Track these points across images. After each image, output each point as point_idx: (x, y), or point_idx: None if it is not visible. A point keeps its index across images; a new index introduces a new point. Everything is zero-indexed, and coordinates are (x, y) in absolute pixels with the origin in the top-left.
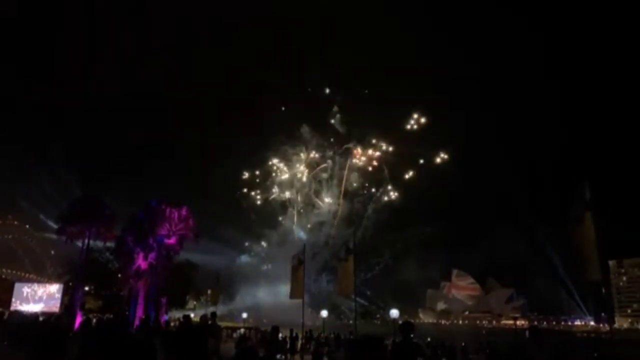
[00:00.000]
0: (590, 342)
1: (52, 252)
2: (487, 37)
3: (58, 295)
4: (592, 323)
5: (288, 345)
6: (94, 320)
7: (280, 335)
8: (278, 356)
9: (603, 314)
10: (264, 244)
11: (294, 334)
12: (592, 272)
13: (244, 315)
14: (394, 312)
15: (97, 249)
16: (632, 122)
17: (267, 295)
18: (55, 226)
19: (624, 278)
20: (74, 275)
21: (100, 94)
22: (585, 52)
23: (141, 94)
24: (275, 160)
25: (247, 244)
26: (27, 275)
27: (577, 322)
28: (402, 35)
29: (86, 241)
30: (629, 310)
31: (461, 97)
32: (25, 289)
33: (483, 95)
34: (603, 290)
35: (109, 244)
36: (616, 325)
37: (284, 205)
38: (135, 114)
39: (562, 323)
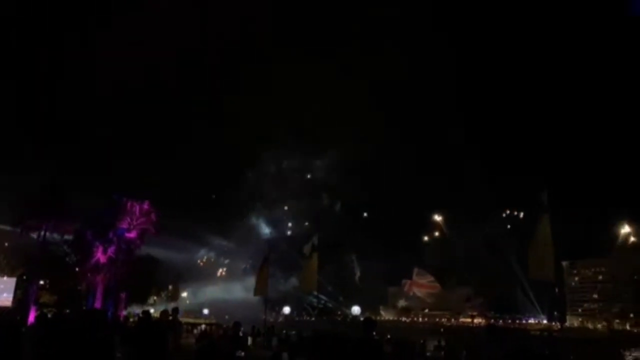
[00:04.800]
0: (543, 339)
1: (6, 244)
2: (455, 37)
3: (11, 289)
4: (545, 322)
5: (249, 342)
6: (49, 315)
7: (241, 331)
8: (238, 352)
9: (555, 313)
10: (224, 241)
11: (256, 330)
12: (546, 272)
13: (205, 311)
14: (356, 309)
15: (54, 241)
16: (590, 124)
17: (224, 291)
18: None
19: (576, 278)
20: (28, 269)
21: (74, 85)
22: (544, 55)
23: (114, 87)
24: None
25: (208, 238)
26: None
27: (531, 321)
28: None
29: (42, 234)
30: (579, 310)
31: (430, 97)
32: None
33: (450, 97)
34: (556, 290)
35: (67, 237)
36: (567, 324)
37: (251, 199)
38: (106, 104)
39: (517, 322)
